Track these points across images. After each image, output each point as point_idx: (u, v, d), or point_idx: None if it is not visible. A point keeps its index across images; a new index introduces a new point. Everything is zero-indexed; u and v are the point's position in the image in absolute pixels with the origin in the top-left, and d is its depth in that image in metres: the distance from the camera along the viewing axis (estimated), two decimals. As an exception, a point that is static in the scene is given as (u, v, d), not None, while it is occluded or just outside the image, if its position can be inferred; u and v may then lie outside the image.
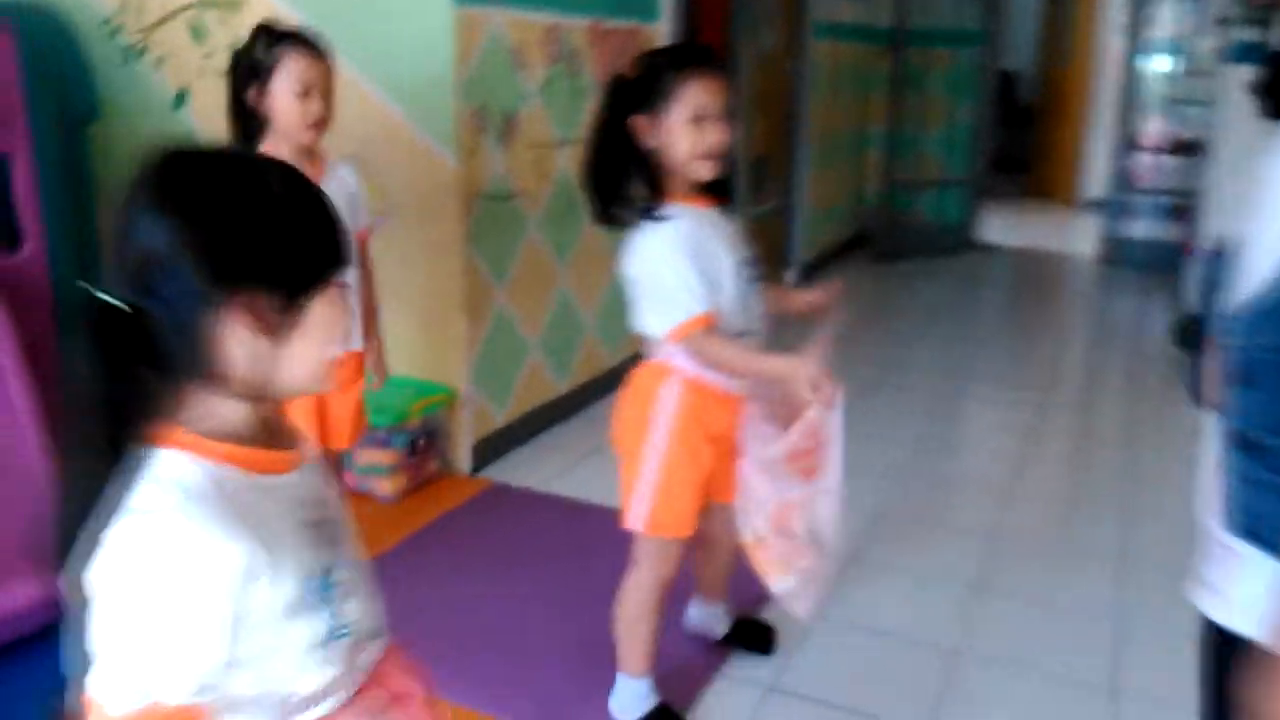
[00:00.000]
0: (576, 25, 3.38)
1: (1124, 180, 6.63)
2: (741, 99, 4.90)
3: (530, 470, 3.20)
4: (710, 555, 2.16)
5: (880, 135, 6.80)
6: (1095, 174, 8.39)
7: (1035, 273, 6.90)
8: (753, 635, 2.29)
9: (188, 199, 0.88)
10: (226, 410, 0.93)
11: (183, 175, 0.90)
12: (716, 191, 1.78)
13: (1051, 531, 2.92)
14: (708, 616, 2.29)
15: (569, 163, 3.44)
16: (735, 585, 2.27)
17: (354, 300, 2.25)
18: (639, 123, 1.69)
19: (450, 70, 2.83)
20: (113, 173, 3.48)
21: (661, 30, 3.94)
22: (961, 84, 6.88)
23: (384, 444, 2.87)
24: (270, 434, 0.98)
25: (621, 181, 1.73)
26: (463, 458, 3.12)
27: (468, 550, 2.72)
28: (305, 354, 0.95)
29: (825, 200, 6.30)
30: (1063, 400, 4.15)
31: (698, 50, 1.74)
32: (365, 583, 1.08)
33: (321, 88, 2.08)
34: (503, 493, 3.05)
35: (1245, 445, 1.02)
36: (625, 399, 1.89)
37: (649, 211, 1.71)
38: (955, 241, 7.02)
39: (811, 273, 6.15)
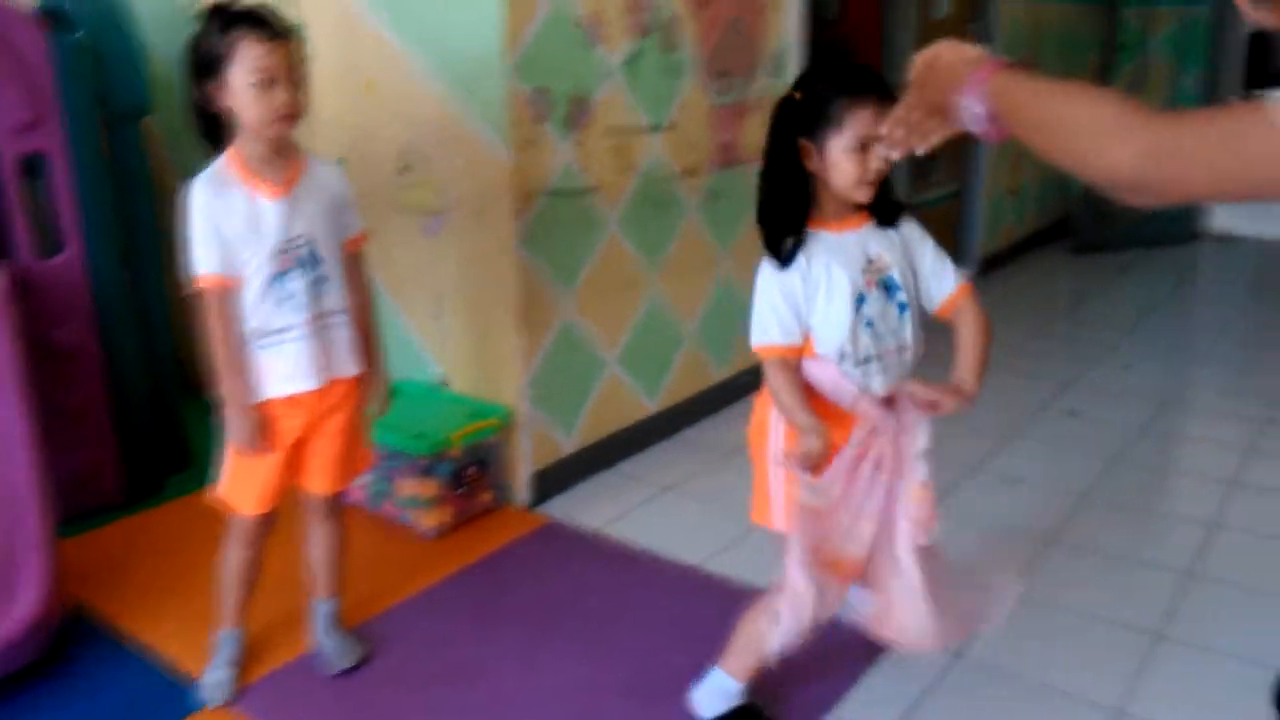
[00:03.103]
0: (673, -10, 2.93)
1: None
2: (898, 71, 4.26)
3: (601, 505, 2.79)
4: None
5: (1087, 108, 5.88)
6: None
7: None
8: None
9: None
10: None
11: None
12: (879, 209, 1.70)
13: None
14: (864, 597, 1.95)
15: (662, 151, 2.99)
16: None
17: (339, 322, 1.93)
18: (804, 146, 1.63)
19: (499, 50, 2.45)
20: (169, 170, 3.34)
21: (791, -6, 3.41)
22: (1188, 48, 5.86)
23: (425, 473, 2.55)
24: None
25: (796, 210, 1.68)
26: (521, 489, 2.76)
27: (501, 604, 2.35)
28: None
29: (1014, 184, 5.52)
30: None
31: (864, 74, 1.66)
32: None
33: (287, 74, 1.76)
34: (557, 534, 2.66)
35: None
36: (755, 409, 1.85)
37: (783, 249, 1.69)
38: (1174, 231, 6.02)
39: (994, 267, 5.40)
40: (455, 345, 2.79)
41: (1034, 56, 5.39)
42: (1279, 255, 5.96)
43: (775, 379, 1.69)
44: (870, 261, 1.67)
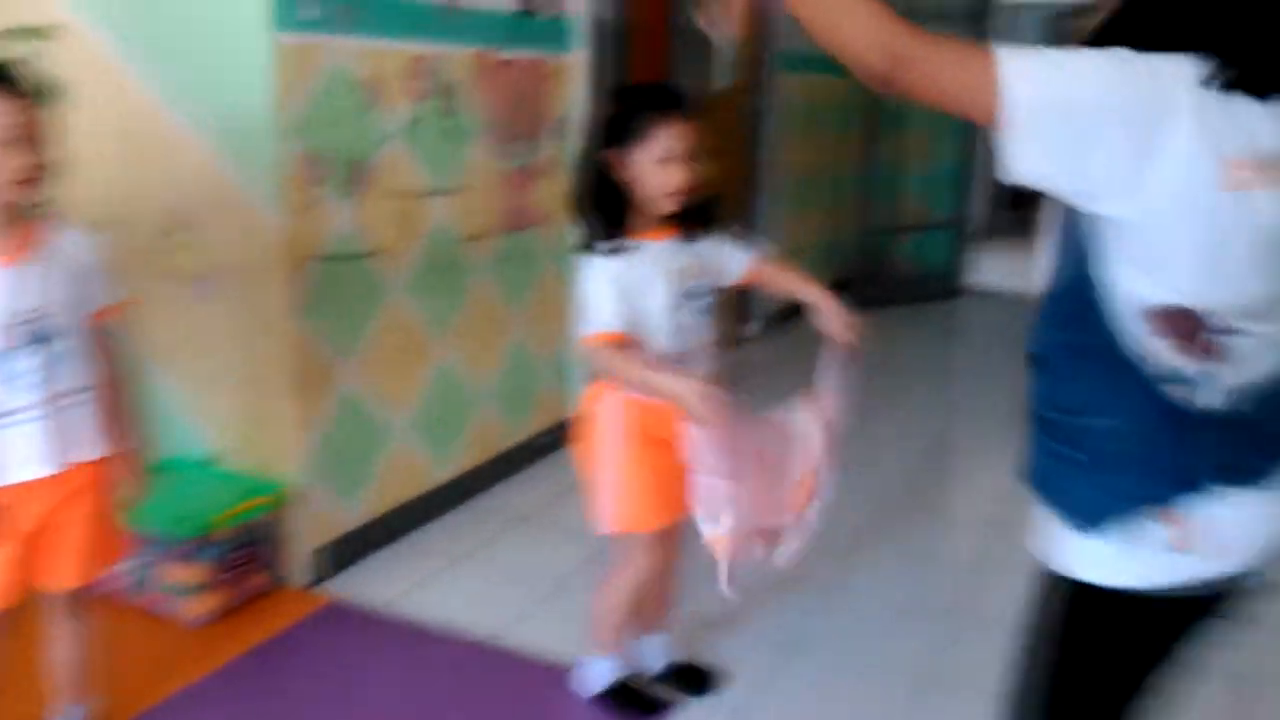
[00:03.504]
0: (456, 55, 2.92)
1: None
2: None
3: (389, 580, 2.68)
4: (655, 580, 2.11)
5: (858, 175, 6.29)
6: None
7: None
8: (688, 678, 2.24)
9: None
10: None
11: None
12: (687, 221, 1.87)
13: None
14: (646, 648, 2.24)
15: (449, 215, 2.96)
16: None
17: (82, 400, 1.77)
18: (613, 157, 1.79)
19: (271, 110, 2.36)
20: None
21: (577, 61, 3.48)
22: (945, 119, 6.38)
23: (190, 558, 2.37)
24: None
25: (608, 212, 1.82)
26: (300, 568, 2.62)
27: (277, 694, 2.20)
28: None
29: (796, 245, 5.80)
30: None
31: (670, 93, 1.84)
32: None
33: (29, 135, 1.62)
34: (340, 613, 2.52)
35: (1038, 420, 1.23)
36: (579, 418, 2.02)
37: (603, 246, 1.82)
38: (942, 288, 6.50)
39: (779, 324, 5.64)
40: (228, 418, 2.63)
41: (808, 125, 5.73)
42: (1029, 308, 6.54)
43: (619, 363, 1.79)
44: (681, 269, 1.87)
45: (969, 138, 6.43)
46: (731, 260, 1.98)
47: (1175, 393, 1.11)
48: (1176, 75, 1.01)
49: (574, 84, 3.48)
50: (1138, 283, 1.08)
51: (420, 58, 2.77)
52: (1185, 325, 1.08)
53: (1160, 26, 1.06)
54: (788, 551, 1.92)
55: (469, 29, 2.95)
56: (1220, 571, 1.16)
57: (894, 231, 6.51)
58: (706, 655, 2.34)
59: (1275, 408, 1.14)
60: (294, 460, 2.55)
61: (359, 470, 2.76)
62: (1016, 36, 8.19)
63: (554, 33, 3.35)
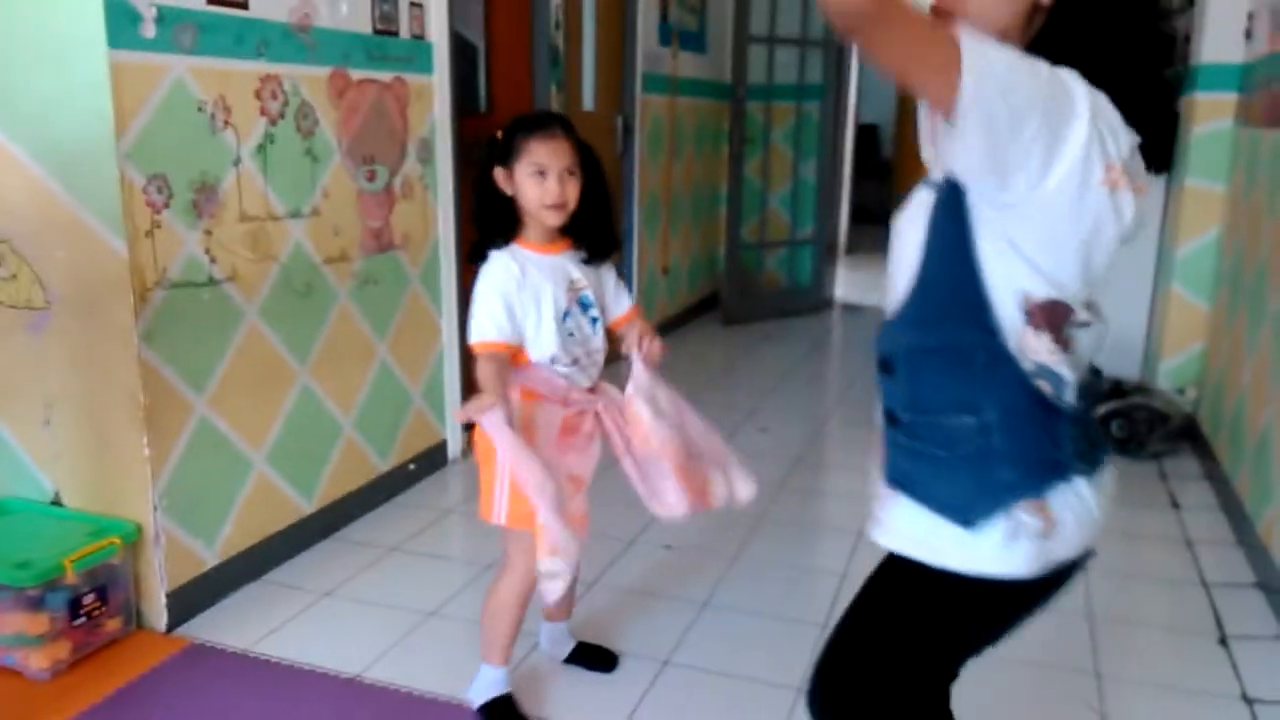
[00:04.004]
0: (310, 75, 2.85)
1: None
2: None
3: (252, 620, 2.57)
4: None
5: (725, 194, 6.42)
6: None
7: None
8: (595, 657, 2.40)
9: None
10: None
11: None
12: (576, 238, 2.03)
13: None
14: (554, 635, 2.40)
15: (305, 238, 2.88)
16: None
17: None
18: (499, 174, 1.96)
19: (108, 131, 2.25)
20: None
21: (437, 83, 3.44)
22: (805, 139, 6.59)
23: (33, 607, 2.22)
24: None
25: (499, 224, 1.98)
26: (156, 611, 2.49)
27: (131, 746, 2.08)
28: None
29: (664, 263, 5.88)
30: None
31: (547, 117, 2.01)
32: None
33: None
34: (200, 658, 2.40)
35: (890, 419, 1.32)
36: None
37: (489, 248, 1.98)
38: (807, 301, 6.68)
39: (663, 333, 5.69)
40: (70, 456, 2.49)
41: (674, 146, 5.82)
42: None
43: (484, 368, 1.88)
44: (572, 282, 2.00)
45: (829, 156, 6.64)
46: (615, 300, 2.12)
47: (1044, 388, 1.19)
48: (1074, 83, 1.11)
49: (435, 105, 3.45)
50: (1022, 276, 1.15)
51: (271, 77, 2.70)
52: (1058, 318, 1.17)
53: (1047, 45, 1.17)
54: (744, 489, 2.10)
55: (324, 49, 2.89)
56: (1070, 555, 1.25)
57: (761, 248, 6.67)
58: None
59: (1091, 401, 1.26)
60: (145, 498, 2.43)
61: (217, 506, 2.64)
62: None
63: (413, 54, 3.31)
